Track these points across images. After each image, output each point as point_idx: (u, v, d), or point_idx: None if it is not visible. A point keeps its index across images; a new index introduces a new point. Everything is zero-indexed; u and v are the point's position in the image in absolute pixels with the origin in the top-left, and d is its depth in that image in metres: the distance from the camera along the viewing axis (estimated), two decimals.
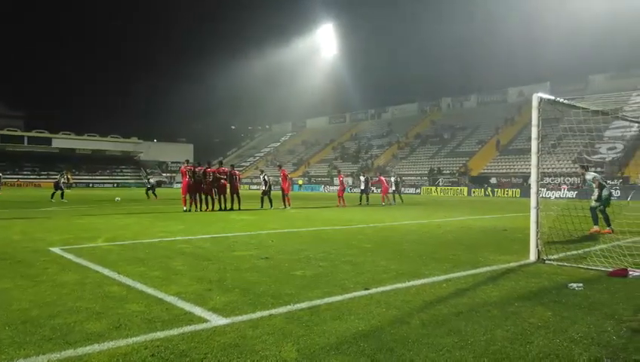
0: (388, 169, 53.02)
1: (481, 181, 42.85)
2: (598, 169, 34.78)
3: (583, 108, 8.19)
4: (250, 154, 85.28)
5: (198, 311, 4.20)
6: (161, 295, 4.76)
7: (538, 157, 7.08)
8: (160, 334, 3.58)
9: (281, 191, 19.57)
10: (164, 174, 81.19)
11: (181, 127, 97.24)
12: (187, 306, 4.34)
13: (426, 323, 3.95)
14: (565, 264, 6.64)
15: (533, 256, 6.86)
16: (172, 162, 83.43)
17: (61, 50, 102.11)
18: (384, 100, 78.47)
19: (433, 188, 44.84)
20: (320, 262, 6.71)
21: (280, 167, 22.71)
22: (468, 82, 68.46)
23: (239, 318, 3.99)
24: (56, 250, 7.63)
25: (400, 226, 12.81)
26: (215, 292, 4.88)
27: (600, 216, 10.45)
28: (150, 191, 28.66)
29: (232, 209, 17.50)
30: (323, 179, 56.73)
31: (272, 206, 18.90)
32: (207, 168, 17.47)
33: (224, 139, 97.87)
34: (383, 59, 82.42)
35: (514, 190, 37.81)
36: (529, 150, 7.37)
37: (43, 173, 70.62)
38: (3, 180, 39.26)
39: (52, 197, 24.30)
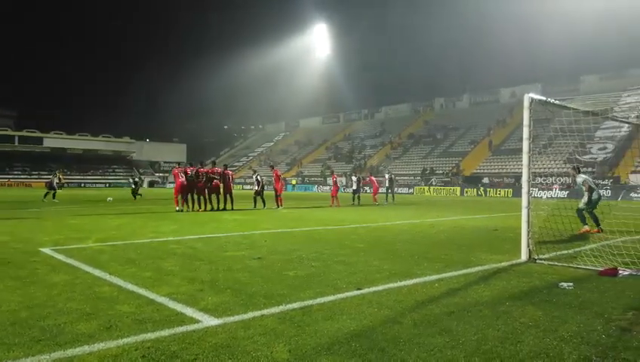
0: (381, 168, 53.13)
1: (473, 181, 43.06)
2: (589, 169, 35.10)
3: (573, 109, 8.26)
4: (243, 154, 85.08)
5: (189, 311, 4.18)
6: (152, 295, 4.73)
7: (529, 157, 7.12)
8: (151, 335, 3.56)
9: (273, 191, 19.56)
10: (156, 174, 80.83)
11: (174, 126, 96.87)
12: (178, 307, 4.32)
13: (417, 323, 3.96)
14: (556, 263, 6.68)
15: (524, 256, 6.91)
16: (165, 162, 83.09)
17: (54, 51, 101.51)
18: (377, 100, 78.75)
19: (426, 188, 44.99)
20: (312, 262, 6.70)
21: (272, 167, 22.69)
22: (461, 83, 68.75)
23: (231, 319, 3.98)
24: (46, 250, 7.56)
25: (393, 226, 12.84)
26: (207, 293, 4.86)
27: (587, 216, 10.55)
28: (135, 192, 28.19)
29: (224, 209, 17.45)
30: (316, 179, 56.73)
31: (264, 206, 18.88)
32: (199, 168, 17.41)
33: (217, 139, 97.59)
34: (377, 60, 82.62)
35: (506, 190, 38.04)
36: (521, 150, 7.41)
37: (34, 172, 70.04)
38: None
39: (45, 197, 24.14)
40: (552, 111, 7.75)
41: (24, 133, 76.51)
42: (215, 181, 17.45)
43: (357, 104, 79.90)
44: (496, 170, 44.21)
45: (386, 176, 25.98)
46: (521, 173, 7.34)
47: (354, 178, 22.65)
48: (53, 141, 78.25)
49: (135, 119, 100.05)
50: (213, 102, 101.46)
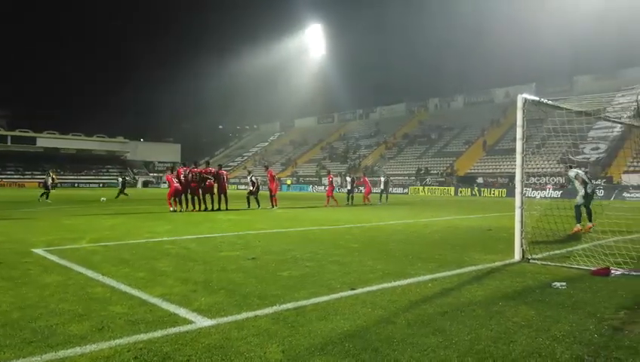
0: (376, 169, 53.21)
1: (467, 181, 43.21)
2: (582, 169, 35.26)
3: (566, 109, 8.30)
4: (238, 154, 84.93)
5: (182, 312, 4.17)
6: (145, 296, 4.71)
7: (523, 157, 7.15)
8: (143, 336, 3.54)
9: (268, 192, 19.56)
10: (151, 174, 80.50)
11: (169, 126, 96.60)
12: (172, 307, 4.30)
13: (411, 323, 3.97)
14: (549, 263, 6.72)
15: (517, 256, 6.93)
16: (159, 162, 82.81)
17: (50, 51, 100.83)
18: (372, 100, 78.83)
19: (420, 187, 45.09)
20: (307, 263, 6.70)
21: (267, 167, 22.65)
22: (455, 83, 68.97)
23: (224, 319, 3.97)
24: (39, 251, 7.51)
25: (387, 226, 12.86)
26: (200, 294, 4.85)
27: (583, 212, 10.57)
28: (122, 191, 27.81)
29: (219, 209, 17.40)
30: (311, 179, 56.71)
31: (259, 206, 18.85)
32: (193, 168, 17.36)
33: (212, 139, 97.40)
34: (371, 60, 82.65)
35: (500, 190, 38.19)
36: (515, 150, 7.44)
37: (27, 172, 69.57)
38: None
39: (41, 197, 24.06)
40: (545, 111, 7.79)
41: (17, 132, 76.00)
42: (209, 181, 17.40)
43: (352, 104, 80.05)
44: (491, 170, 44.39)
45: (382, 178, 26.17)
46: (515, 173, 7.37)
47: (348, 178, 22.66)
48: (46, 141, 77.77)
49: (129, 119, 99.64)
50: (208, 102, 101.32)
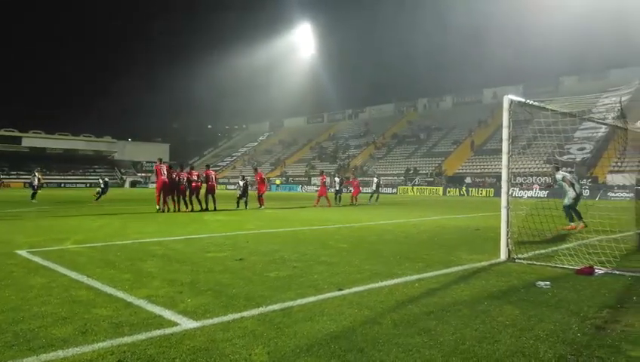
0: (365, 168, 53.35)
1: (456, 181, 43.50)
2: (568, 169, 35.73)
3: (551, 110, 8.39)
4: (227, 154, 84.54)
5: (168, 314, 4.14)
6: (130, 298, 4.67)
7: (509, 157, 7.22)
8: (127, 339, 3.51)
9: (256, 192, 19.52)
10: (139, 174, 79.80)
11: (157, 126, 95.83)
12: (157, 309, 4.27)
13: (397, 323, 3.98)
14: (534, 263, 6.79)
15: (503, 255, 7.00)
16: (147, 162, 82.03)
17: (33, 51, 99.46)
18: (361, 100, 79.00)
19: (409, 187, 45.29)
20: (294, 263, 6.69)
21: (256, 169, 22.56)
22: (444, 83, 69.44)
23: (210, 321, 3.94)
24: (22, 252, 7.40)
25: (376, 226, 12.89)
26: (186, 295, 4.82)
27: (573, 212, 10.71)
28: (99, 193, 26.94)
29: (206, 209, 17.31)
30: (300, 179, 56.66)
31: (247, 206, 18.78)
32: (179, 172, 17.29)
33: (201, 138, 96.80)
34: (361, 60, 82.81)
35: (488, 190, 38.51)
36: (502, 150, 7.50)
37: (12, 172, 68.51)
38: None
39: (32, 198, 23.78)
40: (531, 112, 7.87)
41: (2, 132, 74.76)
42: (195, 183, 17.29)
43: (341, 104, 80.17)
44: (479, 170, 44.74)
45: (375, 179, 26.47)
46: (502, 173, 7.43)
47: (337, 179, 22.66)
48: (32, 140, 76.65)
49: (117, 119, 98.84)
50: (198, 101, 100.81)
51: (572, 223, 10.46)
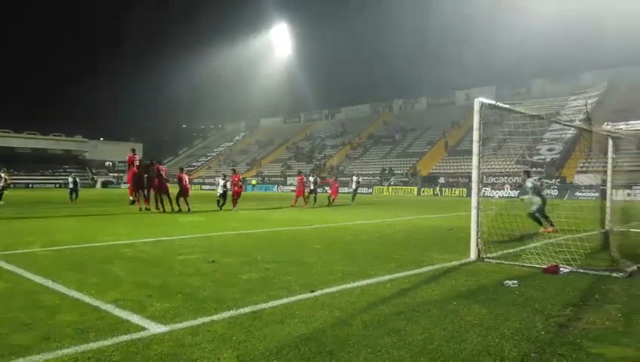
0: (342, 168, 53.54)
1: (430, 181, 44.09)
2: (538, 169, 36.68)
3: (520, 113, 8.59)
4: (202, 154, 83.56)
5: (135, 319, 4.06)
6: (97, 303, 4.57)
7: (479, 159, 7.36)
8: (93, 345, 3.43)
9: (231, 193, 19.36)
10: (110, 174, 78.09)
11: (130, 125, 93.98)
12: (124, 314, 4.18)
13: (367, 324, 4.01)
14: (503, 262, 6.94)
15: (473, 255, 7.13)
16: (119, 162, 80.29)
17: (3, 47, 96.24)
18: (338, 101, 79.15)
19: (385, 187, 45.67)
20: (267, 265, 6.66)
21: (234, 170, 22.32)
22: (419, 85, 70.13)
23: (179, 325, 3.89)
24: None
25: (352, 226, 12.95)
26: (155, 299, 4.74)
27: (541, 218, 10.84)
28: (72, 194, 26.27)
29: (179, 211, 17.07)
30: (277, 179, 56.47)
31: (221, 208, 18.60)
32: (151, 164, 17.20)
33: (175, 138, 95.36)
34: (337, 60, 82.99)
35: (461, 189, 39.16)
36: (480, 150, 7.63)
37: None
38: None
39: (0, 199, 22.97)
40: (501, 114, 8.05)
41: None
42: (158, 180, 17.13)
43: (318, 104, 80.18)
44: (452, 170, 45.43)
45: (354, 178, 26.72)
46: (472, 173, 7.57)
47: (311, 178, 22.59)
48: None
49: (89, 118, 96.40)
50: (172, 101, 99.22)
51: (548, 227, 10.44)
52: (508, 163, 34.73)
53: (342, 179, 40.90)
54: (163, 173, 17.43)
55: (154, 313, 4.23)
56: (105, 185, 71.65)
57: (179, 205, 17.29)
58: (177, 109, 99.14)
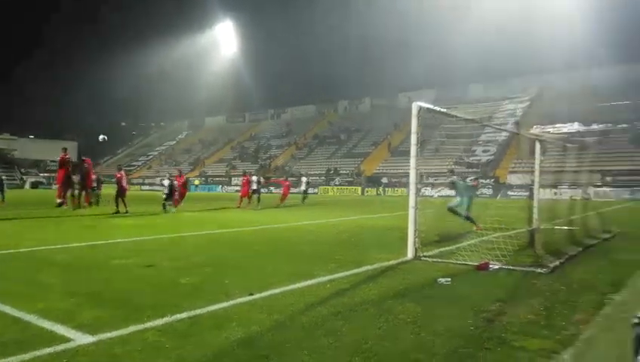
0: (287, 168, 53.47)
1: (374, 181, 45.03)
2: (474, 170, 38.45)
3: (456, 117, 8.98)
4: (142, 153, 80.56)
5: (61, 329, 3.84)
6: (20, 313, 4.28)
7: (416, 160, 7.61)
8: (12, 359, 3.21)
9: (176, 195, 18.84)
10: (41, 174, 73.46)
11: (64, 123, 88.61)
12: (48, 325, 3.95)
13: (305, 326, 4.03)
14: (438, 260, 7.21)
15: (410, 254, 7.35)
16: (52, 161, 75.67)
17: None
18: (284, 101, 78.84)
19: (330, 187, 46.13)
20: (207, 268, 6.53)
21: (180, 171, 21.66)
22: (363, 86, 71.24)
23: (108, 335, 3.72)
24: None
25: (296, 227, 12.97)
26: (85, 307, 4.51)
27: (463, 215, 11.18)
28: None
29: (118, 212, 16.37)
30: (221, 179, 55.52)
31: (165, 210, 18.02)
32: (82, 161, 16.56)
33: (113, 136, 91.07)
34: (283, 60, 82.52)
35: (402, 189, 40.26)
36: (418, 152, 7.87)
37: None
38: None
39: None
40: (439, 118, 8.37)
41: None
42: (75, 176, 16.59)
43: (263, 104, 79.43)
44: (395, 171, 46.63)
45: (303, 179, 26.71)
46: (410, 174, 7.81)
47: (254, 178, 22.28)
48: None
49: (19, 114, 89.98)
50: (111, 98, 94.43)
51: (477, 225, 10.82)
52: (446, 163, 36.13)
53: (290, 179, 40.88)
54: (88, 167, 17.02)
55: (82, 322, 4.03)
56: (35, 185, 67.26)
57: (117, 206, 16.59)
58: (117, 107, 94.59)
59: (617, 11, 45.67)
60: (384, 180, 44.47)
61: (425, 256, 7.33)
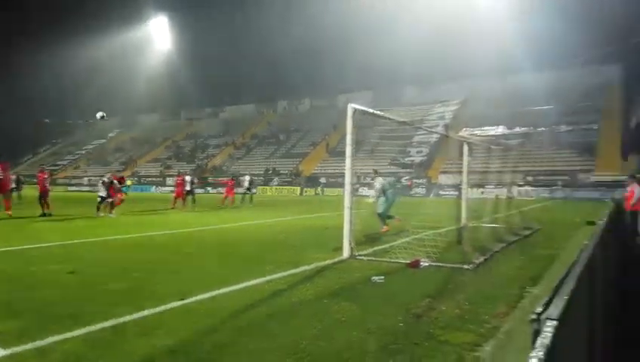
0: (225, 168, 52.53)
1: (312, 181, 45.35)
2: (408, 170, 39.83)
3: (389, 119, 9.25)
4: (68, 152, 75.93)
5: None
6: None
7: (352, 161, 7.76)
8: None
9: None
10: None
11: None
12: None
13: (240, 329, 3.97)
14: (373, 259, 7.38)
15: (346, 253, 7.47)
16: None
17: None
18: (222, 100, 77.21)
19: (268, 187, 45.88)
20: (136, 273, 6.26)
21: (119, 173, 20.60)
22: (302, 87, 71.41)
23: (23, 347, 3.46)
24: None
25: (232, 228, 12.76)
26: None
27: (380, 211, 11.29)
28: None
29: (43, 215, 15.28)
30: (154, 180, 53.48)
31: (98, 211, 17.02)
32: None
33: (35, 134, 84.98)
34: (221, 59, 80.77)
35: (340, 189, 40.85)
36: (354, 153, 8.01)
37: None
38: None
39: None
40: (374, 120, 8.58)
41: None
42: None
43: (200, 102, 77.41)
44: (333, 171, 47.21)
45: (247, 178, 26.06)
46: (345, 175, 7.94)
47: (187, 178, 21.65)
48: None
49: None
50: (32, 93, 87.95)
51: (385, 226, 10.98)
52: (382, 164, 37.12)
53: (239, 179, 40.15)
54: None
55: None
56: None
57: (42, 208, 15.49)
58: (39, 103, 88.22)
59: (542, 19, 48.57)
60: (322, 180, 44.90)
61: (360, 255, 7.48)
